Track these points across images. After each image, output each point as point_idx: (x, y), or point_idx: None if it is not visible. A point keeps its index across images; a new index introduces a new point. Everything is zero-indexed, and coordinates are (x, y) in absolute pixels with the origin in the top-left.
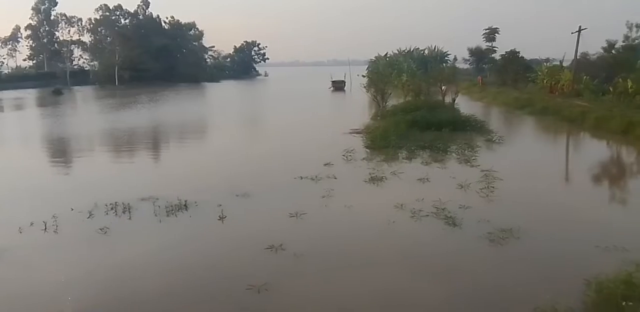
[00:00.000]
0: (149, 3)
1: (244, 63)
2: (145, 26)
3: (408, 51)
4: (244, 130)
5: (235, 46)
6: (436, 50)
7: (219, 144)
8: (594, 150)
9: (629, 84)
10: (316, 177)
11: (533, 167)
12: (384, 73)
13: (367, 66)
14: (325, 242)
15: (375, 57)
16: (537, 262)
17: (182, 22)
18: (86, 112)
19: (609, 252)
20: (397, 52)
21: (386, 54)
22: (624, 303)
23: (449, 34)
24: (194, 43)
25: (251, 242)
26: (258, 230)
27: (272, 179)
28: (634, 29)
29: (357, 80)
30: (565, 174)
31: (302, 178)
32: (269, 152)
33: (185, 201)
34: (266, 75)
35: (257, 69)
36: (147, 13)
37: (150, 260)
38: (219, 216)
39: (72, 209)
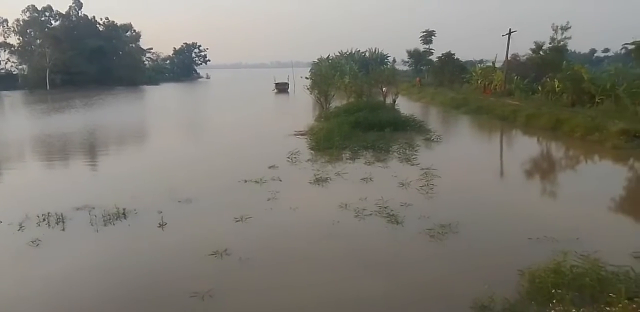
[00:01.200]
0: (82, 4)
1: (184, 65)
2: (78, 28)
3: (349, 53)
4: (185, 135)
5: (174, 48)
6: (377, 52)
7: (159, 149)
8: (526, 146)
9: (556, 83)
10: (261, 180)
11: (469, 164)
12: (326, 75)
13: (310, 68)
14: (270, 245)
15: (318, 59)
16: (474, 256)
17: (118, 24)
18: (15, 117)
19: (540, 243)
20: (339, 54)
21: (328, 56)
22: (553, 291)
23: (389, 36)
24: (131, 45)
25: (194, 248)
26: (201, 236)
27: (216, 183)
28: (559, 31)
29: (300, 83)
30: (500, 170)
31: (246, 181)
32: (211, 156)
33: (124, 209)
34: (208, 77)
35: (198, 72)
36: (79, 14)
37: (87, 272)
38: (159, 223)
39: (1, 222)
